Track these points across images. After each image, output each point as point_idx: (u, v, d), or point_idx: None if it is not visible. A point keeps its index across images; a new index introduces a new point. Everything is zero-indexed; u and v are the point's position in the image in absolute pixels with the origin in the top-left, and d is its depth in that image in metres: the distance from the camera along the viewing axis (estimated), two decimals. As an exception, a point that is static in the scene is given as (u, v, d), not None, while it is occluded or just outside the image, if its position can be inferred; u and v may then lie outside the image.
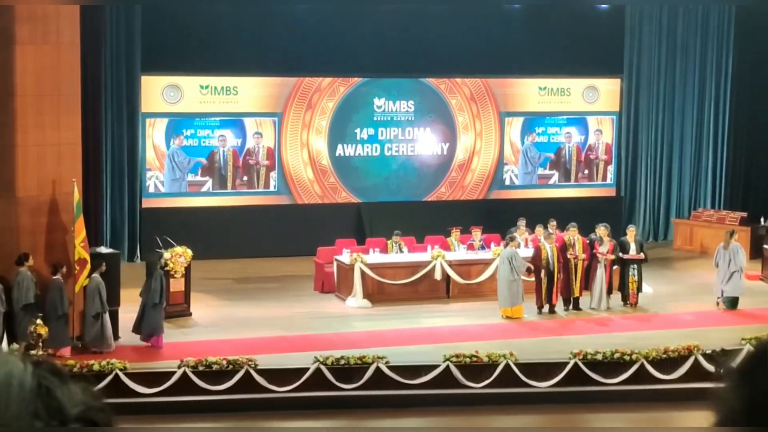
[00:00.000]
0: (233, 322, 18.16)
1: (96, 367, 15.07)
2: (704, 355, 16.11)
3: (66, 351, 16.12)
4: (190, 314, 18.54)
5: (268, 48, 22.93)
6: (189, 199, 23.12)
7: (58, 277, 16.00)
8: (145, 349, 16.61)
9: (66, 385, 1.31)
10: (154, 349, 16.57)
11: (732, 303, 19.46)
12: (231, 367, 15.37)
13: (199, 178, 23.16)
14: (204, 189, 23.25)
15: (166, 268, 17.86)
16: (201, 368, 15.31)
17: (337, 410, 15.46)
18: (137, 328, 16.87)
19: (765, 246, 21.74)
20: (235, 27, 22.56)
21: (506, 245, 19.08)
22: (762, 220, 22.90)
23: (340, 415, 15.47)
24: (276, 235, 23.09)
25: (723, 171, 25.99)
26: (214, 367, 15.35)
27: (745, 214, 24.24)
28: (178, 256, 18.35)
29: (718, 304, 19.60)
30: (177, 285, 18.32)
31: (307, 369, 15.44)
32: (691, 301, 19.95)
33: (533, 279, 19.17)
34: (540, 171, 25.21)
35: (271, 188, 23.64)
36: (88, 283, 16.31)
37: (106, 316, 16.34)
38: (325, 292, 20.40)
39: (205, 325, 18.14)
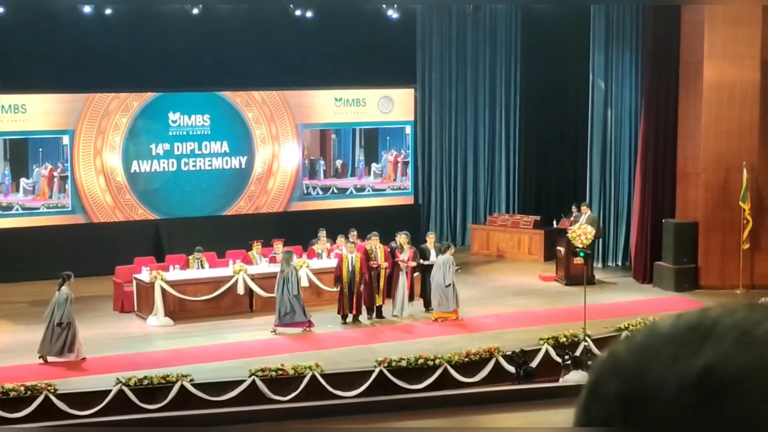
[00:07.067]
0: (30, 346, 17.49)
1: None
2: (504, 356, 16.51)
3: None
4: (-16, 341, 17.90)
5: (56, 63, 22.24)
6: (-22, 222, 22.28)
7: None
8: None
9: None
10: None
11: None
12: (29, 393, 14.87)
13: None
14: (-6, 210, 22.48)
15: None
16: (-3, 396, 14.79)
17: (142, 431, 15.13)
18: (289, 319, 18.27)
19: (558, 248, 22.40)
20: (21, 42, 21.81)
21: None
22: (554, 222, 23.60)
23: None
24: (72, 255, 22.35)
25: (516, 176, 26.68)
26: (12, 393, 14.82)
27: (538, 218, 24.96)
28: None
29: None
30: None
31: (110, 391, 15.10)
32: (490, 304, 20.40)
33: (337, 289, 19.29)
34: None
35: (66, 207, 23.01)
36: (57, 294, 16.90)
37: (74, 325, 16.84)
38: (125, 312, 19.99)
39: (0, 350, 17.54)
